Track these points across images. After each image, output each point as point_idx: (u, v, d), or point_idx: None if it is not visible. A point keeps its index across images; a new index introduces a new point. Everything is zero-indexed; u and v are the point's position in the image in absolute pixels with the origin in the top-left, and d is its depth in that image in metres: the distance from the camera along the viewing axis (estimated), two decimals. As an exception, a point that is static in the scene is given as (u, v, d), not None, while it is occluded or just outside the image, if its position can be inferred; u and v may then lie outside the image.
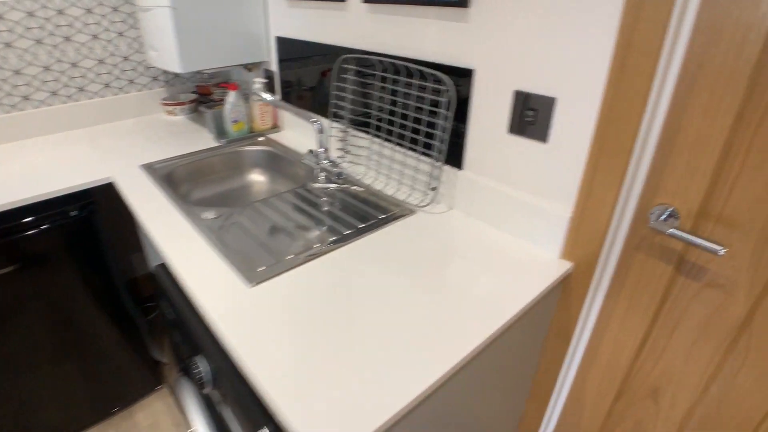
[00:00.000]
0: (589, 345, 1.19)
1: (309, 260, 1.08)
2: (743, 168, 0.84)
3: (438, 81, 1.19)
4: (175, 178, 1.63)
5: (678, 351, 1.03)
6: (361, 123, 1.51)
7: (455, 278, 1.01)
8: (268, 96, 1.55)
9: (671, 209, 0.94)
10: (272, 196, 1.39)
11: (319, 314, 0.91)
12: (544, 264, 1.05)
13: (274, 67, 1.91)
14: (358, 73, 1.45)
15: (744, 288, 0.90)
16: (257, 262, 1.08)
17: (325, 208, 1.30)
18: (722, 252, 0.85)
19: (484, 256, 1.08)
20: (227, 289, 0.98)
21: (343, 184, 1.43)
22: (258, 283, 1.00)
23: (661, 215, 0.95)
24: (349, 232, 1.18)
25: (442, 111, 1.19)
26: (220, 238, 1.17)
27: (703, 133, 0.86)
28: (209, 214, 1.32)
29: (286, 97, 1.90)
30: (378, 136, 1.45)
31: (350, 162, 1.57)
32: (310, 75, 1.70)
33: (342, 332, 0.86)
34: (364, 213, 1.27)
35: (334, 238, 1.16)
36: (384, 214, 1.26)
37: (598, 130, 0.91)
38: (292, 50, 1.76)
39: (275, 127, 1.98)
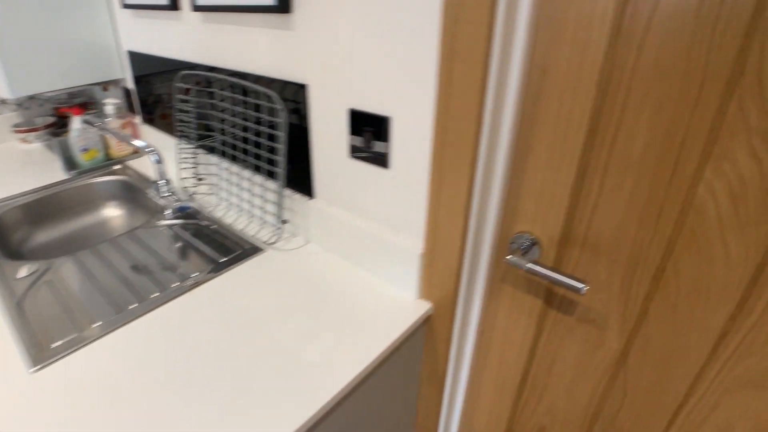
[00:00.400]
0: (469, 385, 1.01)
1: (120, 327, 0.83)
2: (602, 190, 0.67)
3: (271, 98, 0.96)
4: (6, 223, 1.32)
5: (559, 389, 0.87)
6: (209, 147, 1.26)
7: (298, 331, 0.80)
8: (103, 123, 1.27)
9: (532, 238, 0.77)
10: (103, 241, 1.12)
11: (116, 403, 0.67)
12: (400, 306, 0.86)
13: (130, 84, 1.62)
14: (200, 92, 1.20)
15: (616, 323, 0.74)
16: (55, 334, 0.82)
17: (161, 253, 1.05)
18: (584, 290, 0.68)
19: (334, 301, 0.88)
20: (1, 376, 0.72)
21: (189, 220, 1.18)
22: (43, 366, 0.75)
23: (521, 245, 0.77)
24: (178, 285, 0.94)
25: (278, 132, 0.96)
26: (21, 305, 0.89)
27: (556, 151, 0.69)
28: (23, 271, 1.03)
29: (149, 117, 1.61)
30: (225, 163, 1.21)
31: (204, 193, 1.32)
32: (173, 92, 1.43)
33: (141, 426, 0.63)
34: (204, 256, 1.03)
35: (158, 294, 0.92)
36: (227, 256, 1.02)
37: (435, 154, 0.72)
38: (147, 65, 1.48)
39: (137, 152, 1.69)
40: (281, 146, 0.97)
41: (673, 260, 0.65)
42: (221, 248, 1.07)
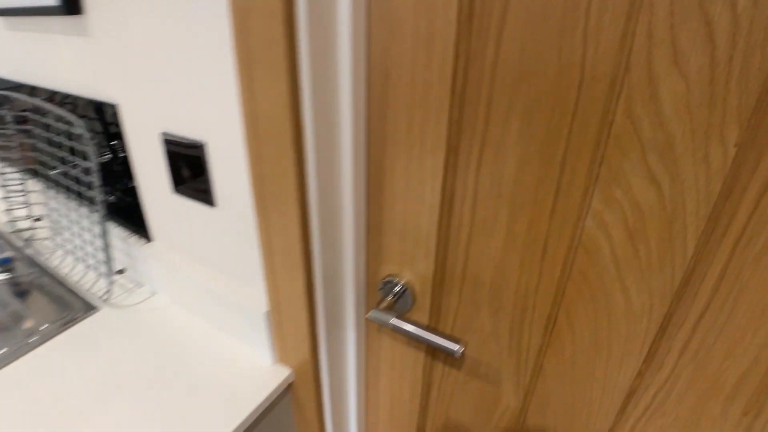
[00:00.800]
0: (359, 446, 0.82)
1: None
2: (474, 222, 0.49)
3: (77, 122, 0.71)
4: None
5: (457, 447, 0.69)
6: (39, 182, 0.98)
7: (118, 423, 0.56)
8: None
9: (402, 283, 0.58)
10: None
11: None
12: (254, 374, 0.65)
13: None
14: (16, 116, 0.93)
15: (510, 378, 0.57)
16: None
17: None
18: (459, 352, 0.50)
19: (175, 373, 0.66)
20: None
21: (14, 273, 0.90)
22: None
23: (391, 291, 0.58)
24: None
25: (87, 163, 0.72)
26: None
27: (414, 176, 0.50)
28: None
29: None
30: (54, 201, 0.94)
31: (41, 238, 1.04)
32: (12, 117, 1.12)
33: None
34: (20, 323, 0.77)
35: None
36: (51, 320, 0.77)
37: (256, 190, 0.52)
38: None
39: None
40: (93, 179, 0.72)
41: (565, 309, 0.48)
42: (47, 310, 0.81)
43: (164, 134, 0.60)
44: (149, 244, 0.79)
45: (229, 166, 0.55)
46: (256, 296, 0.64)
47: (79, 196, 0.81)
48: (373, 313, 0.56)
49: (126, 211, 0.80)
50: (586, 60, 0.38)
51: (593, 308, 0.47)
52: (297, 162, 0.46)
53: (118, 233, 0.83)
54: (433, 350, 0.63)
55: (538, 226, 0.46)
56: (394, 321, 0.54)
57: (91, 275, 0.87)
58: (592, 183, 0.41)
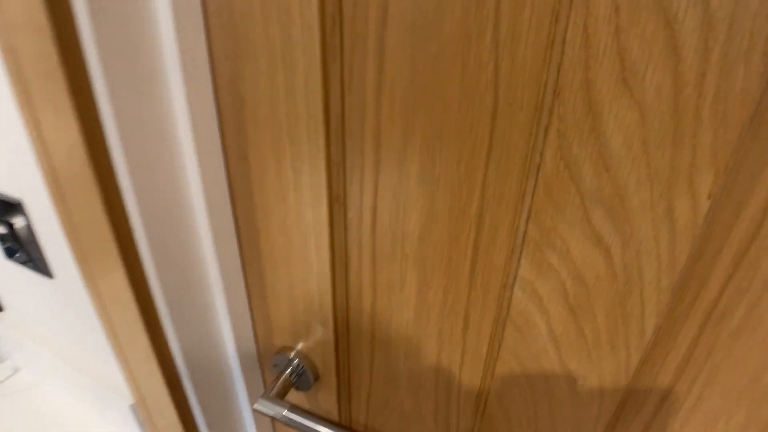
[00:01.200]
0: None
1: None
2: (376, 288, 0.36)
3: None
4: None
5: None
6: None
7: None
8: None
9: (298, 358, 0.43)
10: None
11: None
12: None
13: None
14: None
15: (439, 460, 0.43)
16: None
17: None
18: None
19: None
20: None
21: None
22: None
23: (287, 369, 0.43)
24: None
25: None
26: None
27: (293, 234, 0.36)
28: None
29: None
30: None
31: None
32: None
33: None
34: None
35: None
36: None
37: (79, 261, 0.35)
38: None
39: None
40: None
41: (496, 393, 0.36)
42: None
43: (-31, 187, 0.42)
44: (0, 313, 0.60)
45: (52, 231, 0.38)
46: (120, 385, 0.47)
47: None
48: (260, 404, 0.41)
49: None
50: (499, 78, 0.25)
51: (530, 392, 0.34)
52: (116, 230, 0.30)
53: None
54: (349, 428, 0.49)
55: (456, 293, 0.33)
56: (287, 413, 0.40)
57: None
58: (518, 244, 0.28)
